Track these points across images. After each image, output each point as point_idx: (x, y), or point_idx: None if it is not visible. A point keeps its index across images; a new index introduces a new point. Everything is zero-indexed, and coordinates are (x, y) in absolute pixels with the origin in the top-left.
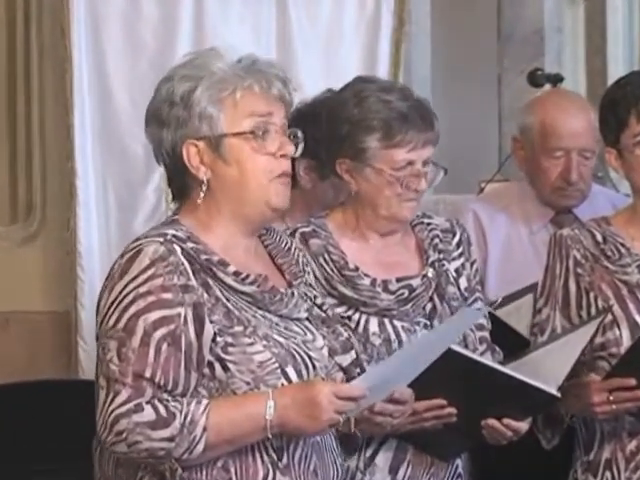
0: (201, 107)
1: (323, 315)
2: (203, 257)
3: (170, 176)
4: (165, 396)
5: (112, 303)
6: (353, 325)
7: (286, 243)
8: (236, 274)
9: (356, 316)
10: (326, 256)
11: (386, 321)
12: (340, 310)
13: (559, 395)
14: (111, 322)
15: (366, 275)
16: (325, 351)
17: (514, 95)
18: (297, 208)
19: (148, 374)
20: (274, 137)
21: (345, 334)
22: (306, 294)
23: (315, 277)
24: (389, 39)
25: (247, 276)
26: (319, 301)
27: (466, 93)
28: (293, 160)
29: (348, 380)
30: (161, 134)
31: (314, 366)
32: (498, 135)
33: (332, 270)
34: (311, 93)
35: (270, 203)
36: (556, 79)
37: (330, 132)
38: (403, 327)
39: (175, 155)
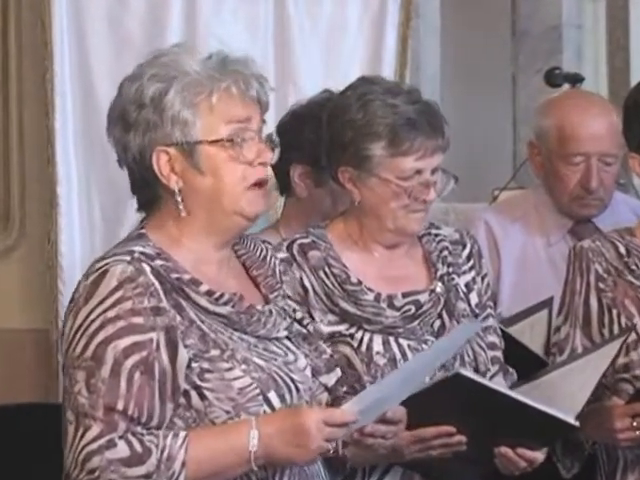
0: (174, 111)
1: (304, 331)
2: (174, 276)
3: (136, 184)
4: (139, 429)
5: (78, 329)
6: (355, 344)
7: (261, 251)
8: (209, 293)
9: (359, 334)
10: (326, 269)
11: (391, 339)
12: (342, 328)
13: (577, 424)
14: (78, 350)
15: (370, 290)
16: (308, 371)
17: (530, 96)
18: (293, 218)
19: (120, 406)
20: (251, 144)
21: (328, 351)
22: (284, 309)
23: (314, 292)
24: (395, 35)
25: (221, 296)
26: (299, 315)
27: (478, 94)
28: (288, 166)
29: (334, 401)
30: (127, 138)
31: (297, 389)
32: (513, 139)
33: (333, 284)
34: (311, 94)
35: (244, 212)
36: (575, 79)
37: (332, 138)
38: (409, 346)
39: (143, 161)
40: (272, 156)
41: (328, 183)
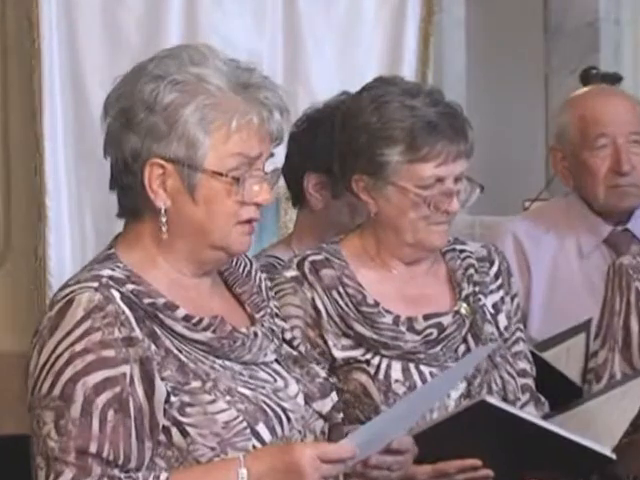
0: (187, 127)
1: (294, 354)
2: (146, 301)
3: (117, 181)
4: (116, 473)
5: (44, 366)
6: (372, 371)
7: (244, 266)
8: (186, 319)
9: (376, 360)
10: (340, 289)
11: (411, 366)
12: (357, 353)
13: (614, 457)
14: (44, 389)
15: (388, 312)
16: (300, 399)
17: (564, 98)
18: (305, 232)
19: (94, 449)
20: (253, 183)
21: (323, 374)
22: (272, 329)
23: (327, 314)
24: (416, 31)
25: (200, 320)
26: (288, 336)
27: (507, 96)
28: (301, 175)
29: (331, 429)
30: (124, 135)
31: (289, 419)
32: (545, 145)
33: (347, 306)
34: (324, 96)
35: (230, 249)
36: (613, 79)
37: (344, 144)
38: (431, 373)
39: (134, 166)
40: (271, 198)
41: (346, 194)
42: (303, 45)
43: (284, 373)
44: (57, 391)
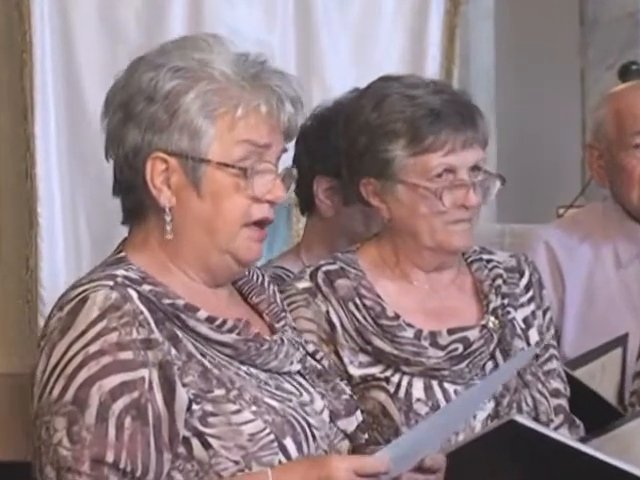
0: (188, 116)
1: (319, 367)
2: (166, 302)
3: (121, 184)
4: None
5: (54, 369)
6: (392, 389)
7: (257, 277)
8: (210, 320)
9: (396, 377)
10: (357, 301)
11: (434, 384)
12: (376, 370)
13: None
14: (55, 393)
15: (409, 325)
16: (326, 415)
17: (601, 95)
18: (315, 241)
19: (110, 458)
20: (264, 177)
21: (348, 390)
22: (295, 340)
23: (343, 328)
24: (441, 24)
25: (224, 322)
26: (311, 348)
27: (540, 93)
28: (311, 179)
29: (355, 450)
30: (124, 130)
31: (314, 436)
32: (581, 146)
33: (365, 319)
34: (340, 94)
35: (237, 255)
36: None
37: (348, 147)
38: (456, 392)
39: (135, 163)
40: (284, 195)
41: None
42: (316, 38)
43: (309, 387)
44: (70, 395)
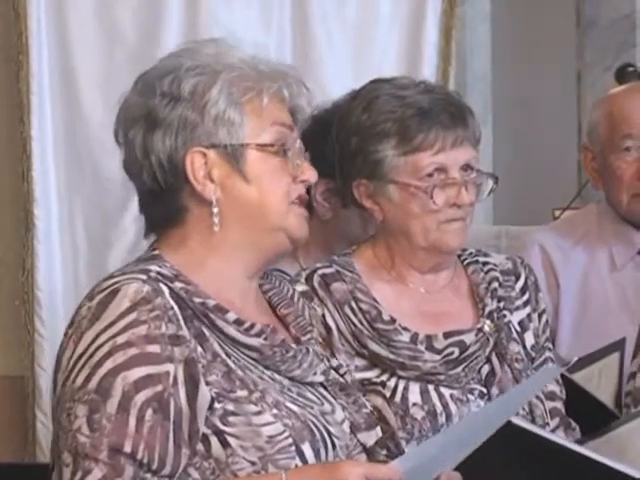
0: (218, 108)
1: (342, 381)
2: (197, 300)
3: (152, 195)
4: (149, 477)
5: (80, 357)
6: (388, 393)
7: (288, 290)
8: (238, 322)
9: (392, 382)
10: (353, 304)
11: (430, 388)
12: (372, 374)
13: None
14: (79, 381)
15: (405, 329)
16: (346, 426)
17: (598, 97)
18: (313, 243)
19: (128, 448)
20: (294, 157)
21: (369, 405)
22: (320, 353)
23: (339, 332)
24: (437, 25)
25: (252, 326)
26: (334, 363)
27: (536, 95)
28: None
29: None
30: (151, 139)
31: (334, 445)
32: (578, 149)
33: (361, 323)
34: (338, 96)
35: (291, 232)
36: None
37: (339, 149)
38: (452, 396)
39: (172, 166)
40: (316, 176)
41: None
42: (313, 40)
43: (330, 398)
44: (93, 384)
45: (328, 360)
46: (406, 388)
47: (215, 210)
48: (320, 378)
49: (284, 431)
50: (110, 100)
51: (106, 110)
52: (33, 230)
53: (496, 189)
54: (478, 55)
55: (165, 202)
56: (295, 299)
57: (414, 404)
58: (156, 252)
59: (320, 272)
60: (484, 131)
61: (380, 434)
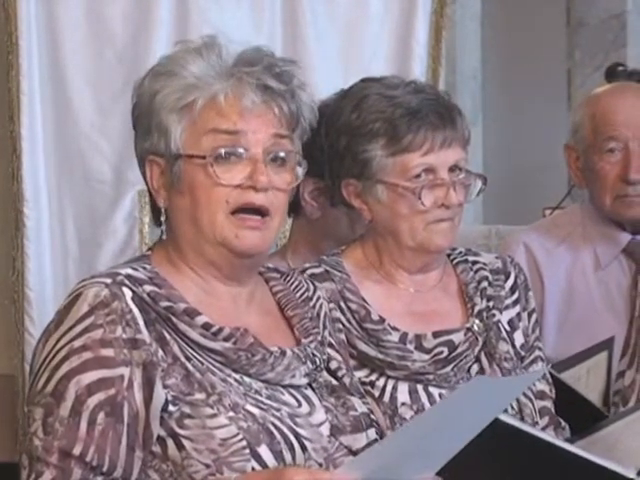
0: (159, 116)
1: (334, 383)
2: (162, 304)
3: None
4: None
5: (44, 361)
6: (377, 393)
7: (305, 291)
8: (206, 326)
9: (381, 381)
10: (342, 304)
11: (419, 388)
12: (361, 374)
13: None
14: (40, 384)
15: (394, 329)
16: (325, 428)
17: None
18: (301, 243)
19: (77, 451)
20: (242, 162)
21: (360, 408)
22: (313, 354)
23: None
24: (427, 25)
25: (220, 330)
26: (334, 365)
27: (526, 94)
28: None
29: None
30: (135, 141)
31: (304, 447)
32: None
33: (350, 322)
34: (327, 95)
35: (230, 245)
36: None
37: (329, 148)
38: (441, 396)
39: (143, 170)
40: (265, 180)
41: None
42: (304, 40)
43: (314, 400)
44: (50, 387)
45: (328, 362)
46: (395, 388)
47: (162, 219)
48: (303, 380)
49: (237, 434)
50: (100, 100)
51: (96, 110)
52: (23, 229)
53: (485, 189)
54: (468, 54)
55: (152, 204)
56: (312, 301)
57: (403, 404)
58: (148, 252)
59: (309, 272)
60: (474, 131)
61: (372, 437)
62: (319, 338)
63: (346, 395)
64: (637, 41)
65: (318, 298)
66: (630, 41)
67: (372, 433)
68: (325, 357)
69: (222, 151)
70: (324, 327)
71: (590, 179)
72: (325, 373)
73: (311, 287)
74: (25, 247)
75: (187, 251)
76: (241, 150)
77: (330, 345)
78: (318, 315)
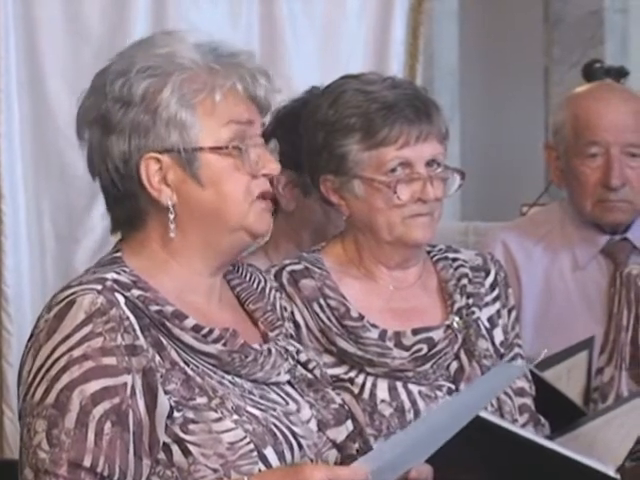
0: (170, 112)
1: (309, 377)
2: (153, 308)
3: (114, 198)
4: None
5: (38, 371)
6: (356, 390)
7: (259, 282)
8: (196, 329)
9: (360, 378)
10: (322, 301)
11: (399, 385)
12: (340, 371)
13: (618, 477)
14: (38, 396)
15: (373, 326)
16: (313, 424)
17: (565, 94)
18: (281, 237)
19: (88, 463)
20: (255, 152)
21: (338, 400)
22: (286, 349)
23: (308, 328)
24: (405, 21)
25: (210, 332)
26: (303, 358)
27: (504, 91)
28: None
29: (344, 459)
30: (107, 142)
31: (300, 445)
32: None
33: (329, 319)
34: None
35: (252, 229)
36: (619, 73)
37: (307, 145)
38: (421, 393)
39: (127, 171)
40: (278, 167)
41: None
42: (281, 36)
43: (296, 396)
44: (51, 399)
45: (293, 357)
46: (374, 385)
47: (171, 216)
48: (285, 377)
49: (245, 437)
50: (78, 97)
51: (74, 107)
52: (0, 227)
53: (463, 185)
54: (446, 51)
55: (125, 206)
56: (266, 292)
57: (382, 401)
58: (118, 254)
59: (289, 269)
60: (451, 127)
61: (350, 428)
62: (284, 330)
63: (324, 388)
64: (614, 38)
65: (271, 289)
66: (607, 38)
67: (350, 424)
68: (295, 350)
69: (245, 139)
70: (284, 319)
71: (570, 181)
72: (300, 367)
73: (262, 278)
74: (2, 243)
75: (193, 245)
76: (256, 139)
77: (292, 337)
78: (274, 306)
